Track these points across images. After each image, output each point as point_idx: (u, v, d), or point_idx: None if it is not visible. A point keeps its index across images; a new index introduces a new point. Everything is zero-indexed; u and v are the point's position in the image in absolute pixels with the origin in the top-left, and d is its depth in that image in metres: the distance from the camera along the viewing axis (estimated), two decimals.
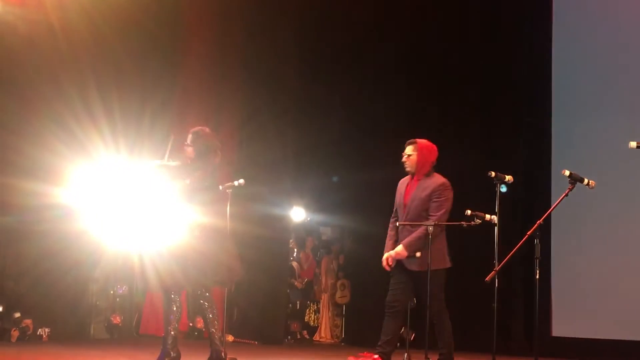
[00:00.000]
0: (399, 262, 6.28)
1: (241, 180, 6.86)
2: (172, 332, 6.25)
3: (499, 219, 6.51)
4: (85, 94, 9.62)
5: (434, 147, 6.36)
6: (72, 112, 9.43)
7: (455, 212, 7.52)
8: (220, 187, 6.60)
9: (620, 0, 9.63)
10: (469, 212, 6.84)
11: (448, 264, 6.40)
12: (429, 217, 6.22)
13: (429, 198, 6.25)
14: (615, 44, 9.48)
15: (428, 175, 6.32)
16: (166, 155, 6.58)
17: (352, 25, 10.56)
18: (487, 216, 6.71)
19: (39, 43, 9.48)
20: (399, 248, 6.23)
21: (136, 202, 9.15)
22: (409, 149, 6.35)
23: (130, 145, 9.64)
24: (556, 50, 9.79)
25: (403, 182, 6.47)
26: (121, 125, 9.76)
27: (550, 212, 5.58)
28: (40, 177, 9.08)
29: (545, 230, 8.70)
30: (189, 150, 6.41)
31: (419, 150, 6.31)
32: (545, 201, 9.01)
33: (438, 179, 6.31)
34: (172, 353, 6.23)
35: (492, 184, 6.42)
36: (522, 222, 9.03)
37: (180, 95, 10.48)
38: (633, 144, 5.33)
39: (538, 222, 5.34)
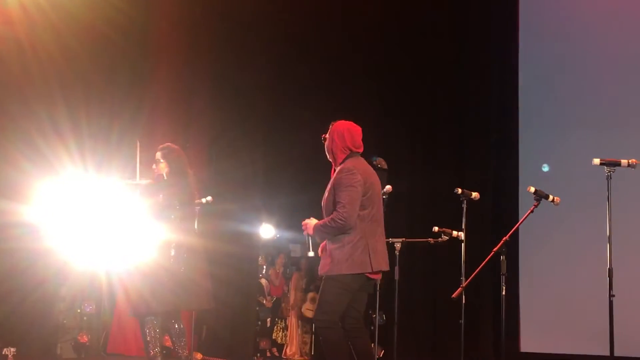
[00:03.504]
0: None
1: (209, 198, 6.84)
2: (152, 354, 6.15)
3: (466, 236, 6.57)
4: (53, 110, 9.55)
5: (352, 128, 5.21)
6: (38, 128, 9.35)
7: (423, 229, 7.57)
8: (204, 201, 6.59)
9: (586, 18, 9.76)
10: (436, 228, 6.90)
11: (347, 270, 4.96)
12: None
13: (334, 191, 5.03)
14: (581, 62, 9.62)
15: (343, 163, 5.12)
16: (137, 171, 6.55)
17: (322, 42, 10.60)
18: (454, 233, 6.77)
19: (7, 59, 9.42)
20: (312, 221, 5.15)
21: (104, 220, 9.09)
22: (327, 133, 5.27)
23: (98, 162, 9.57)
24: (523, 68, 9.90)
25: None
26: (89, 141, 9.69)
27: (516, 229, 5.61)
28: (5, 195, 8.98)
29: (512, 247, 8.77)
30: (161, 166, 6.38)
31: (330, 133, 5.21)
32: (512, 218, 9.08)
33: (343, 165, 5.10)
34: None
35: (459, 201, 6.48)
36: (491, 238, 9.07)
37: (149, 112, 10.43)
38: (597, 161, 5.39)
39: (504, 238, 5.38)
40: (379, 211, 5.14)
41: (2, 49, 9.38)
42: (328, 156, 5.25)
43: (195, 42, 10.76)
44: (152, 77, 10.73)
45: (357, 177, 4.97)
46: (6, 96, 9.50)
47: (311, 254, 5.11)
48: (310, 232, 5.12)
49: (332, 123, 5.26)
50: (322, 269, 5.04)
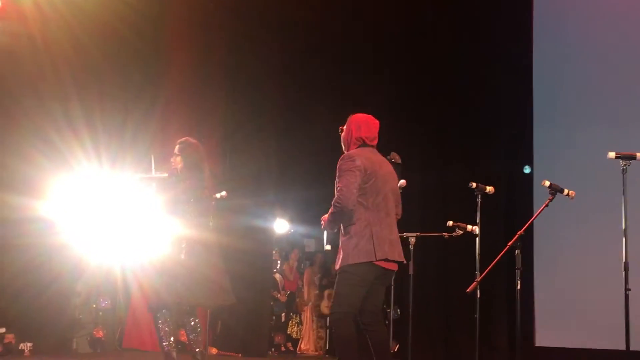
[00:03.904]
0: None
1: (223, 193, 6.84)
2: (166, 349, 6.13)
3: (480, 230, 6.55)
4: (67, 106, 9.59)
5: (369, 121, 5.24)
6: (53, 124, 9.40)
7: (437, 224, 7.56)
8: (219, 196, 6.58)
9: (600, 11, 9.70)
10: (450, 223, 6.87)
11: (353, 260, 4.94)
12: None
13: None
14: (595, 55, 9.56)
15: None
16: (153, 169, 6.54)
17: (335, 36, 10.60)
18: (469, 227, 6.74)
19: (20, 55, 9.46)
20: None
21: (118, 215, 9.13)
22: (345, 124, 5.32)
23: (112, 158, 9.61)
24: (536, 61, 9.85)
25: None
26: (103, 137, 9.73)
27: (531, 223, 5.58)
28: (21, 190, 9.04)
29: (527, 241, 8.76)
30: (177, 160, 6.36)
31: (347, 124, 5.26)
32: (527, 212, 9.04)
33: (346, 153, 5.14)
34: None
35: (473, 195, 6.45)
36: (505, 232, 9.05)
37: (163, 108, 10.45)
38: (612, 154, 5.36)
39: (518, 232, 5.34)
40: (385, 200, 5.08)
41: (15, 45, 9.42)
42: (343, 147, 5.25)
43: (209, 38, 10.77)
44: (165, 73, 10.75)
45: (355, 163, 4.95)
46: (21, 91, 9.55)
47: (327, 247, 5.15)
48: (322, 225, 5.18)
49: (351, 115, 5.26)
50: (336, 264, 5.07)
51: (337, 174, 5.00)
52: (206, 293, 6.15)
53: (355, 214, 4.96)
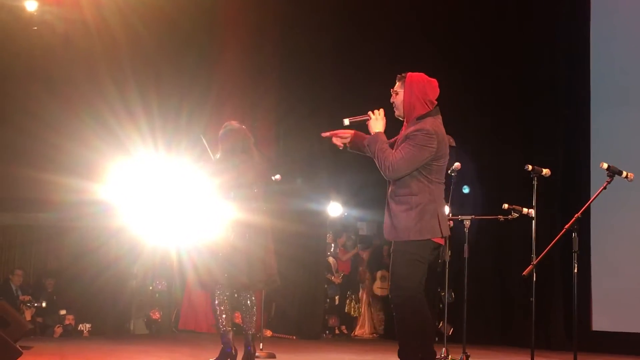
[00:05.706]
0: None
1: (277, 176, 6.86)
2: (223, 329, 6.16)
3: (536, 213, 6.47)
4: (124, 91, 9.73)
5: (431, 80, 4.75)
6: (111, 109, 9.55)
7: (493, 206, 7.49)
8: (273, 178, 6.61)
9: None
10: (506, 205, 6.80)
11: (416, 236, 4.57)
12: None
13: (403, 142, 4.64)
14: None
15: (421, 119, 4.64)
16: (208, 150, 6.56)
17: (389, 19, 10.53)
18: (525, 210, 6.67)
19: (76, 41, 9.62)
20: (379, 121, 4.77)
21: (174, 199, 9.24)
22: (397, 85, 4.79)
23: (168, 142, 9.72)
24: (594, 42, 9.65)
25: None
26: (159, 122, 9.85)
27: (588, 205, 5.49)
28: (79, 174, 9.21)
29: (584, 224, 8.63)
30: (219, 147, 6.38)
31: (407, 85, 4.71)
32: (584, 194, 8.90)
33: (425, 123, 4.61)
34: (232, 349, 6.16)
35: (529, 178, 6.37)
36: (561, 215, 8.92)
37: (217, 92, 10.53)
38: None
39: (576, 215, 5.26)
40: (444, 176, 4.80)
41: (71, 31, 9.58)
42: (400, 111, 4.76)
43: (261, 23, 10.80)
44: (219, 58, 10.83)
45: (433, 143, 4.57)
46: (78, 77, 9.72)
47: (346, 122, 4.93)
48: (370, 128, 4.78)
49: (403, 75, 4.77)
50: (389, 235, 4.67)
51: (409, 140, 4.57)
52: (259, 275, 6.19)
53: (417, 185, 4.61)
